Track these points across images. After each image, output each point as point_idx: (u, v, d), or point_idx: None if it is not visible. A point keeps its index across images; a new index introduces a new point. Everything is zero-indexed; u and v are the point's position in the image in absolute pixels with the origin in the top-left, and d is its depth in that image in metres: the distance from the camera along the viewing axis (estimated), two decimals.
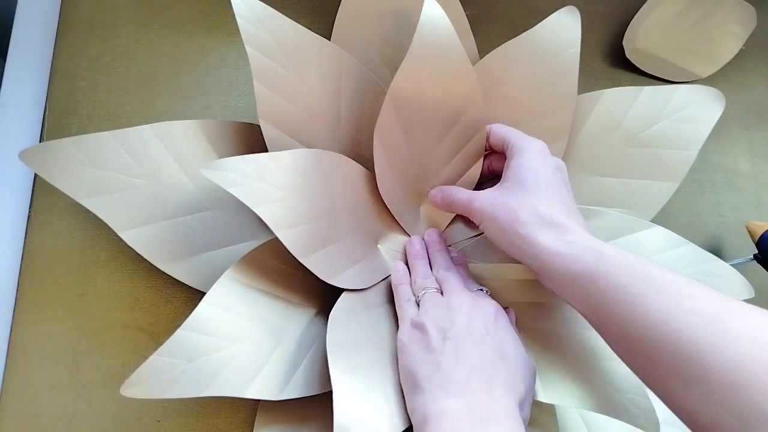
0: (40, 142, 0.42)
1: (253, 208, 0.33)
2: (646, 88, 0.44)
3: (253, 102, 0.45)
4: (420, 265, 0.40)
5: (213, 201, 0.39)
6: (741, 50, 0.51)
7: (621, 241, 0.42)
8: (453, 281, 0.37)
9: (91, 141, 0.37)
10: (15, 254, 0.40)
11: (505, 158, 0.39)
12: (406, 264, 0.41)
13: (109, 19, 0.45)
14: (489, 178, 0.43)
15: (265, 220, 0.33)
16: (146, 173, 0.38)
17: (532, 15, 0.48)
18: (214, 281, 0.35)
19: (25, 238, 0.41)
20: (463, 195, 0.39)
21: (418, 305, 0.37)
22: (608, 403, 0.37)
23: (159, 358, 0.31)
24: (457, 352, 0.33)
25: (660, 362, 0.29)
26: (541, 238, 0.34)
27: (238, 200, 0.33)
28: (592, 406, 0.37)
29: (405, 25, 0.43)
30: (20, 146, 0.41)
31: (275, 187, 0.34)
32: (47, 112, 0.43)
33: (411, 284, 0.39)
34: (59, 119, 0.43)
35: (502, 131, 0.40)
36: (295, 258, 0.35)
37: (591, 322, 0.34)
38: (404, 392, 0.34)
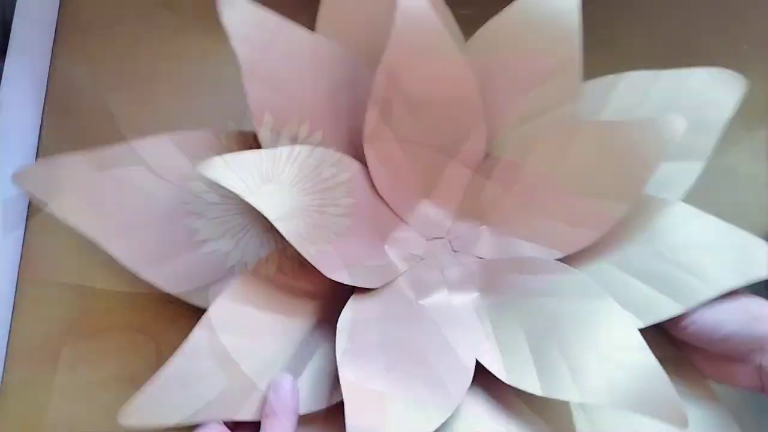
0: (38, 142, 0.42)
1: (245, 198, 0.32)
2: (662, 73, 0.43)
3: None
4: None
5: (196, 207, 0.38)
6: (741, 50, 0.51)
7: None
8: None
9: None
10: (14, 254, 0.40)
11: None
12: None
13: (108, 19, 0.45)
14: None
15: (260, 209, 0.32)
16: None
17: None
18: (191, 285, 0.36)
19: (23, 237, 0.40)
20: None
21: None
22: (625, 396, 0.32)
23: (153, 386, 0.31)
24: None
25: None
26: None
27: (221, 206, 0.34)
28: (604, 399, 0.33)
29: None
30: (19, 147, 0.41)
31: (271, 182, 0.33)
32: (46, 112, 0.43)
33: None
34: (58, 119, 0.43)
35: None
36: (294, 269, 0.35)
37: None
38: None
